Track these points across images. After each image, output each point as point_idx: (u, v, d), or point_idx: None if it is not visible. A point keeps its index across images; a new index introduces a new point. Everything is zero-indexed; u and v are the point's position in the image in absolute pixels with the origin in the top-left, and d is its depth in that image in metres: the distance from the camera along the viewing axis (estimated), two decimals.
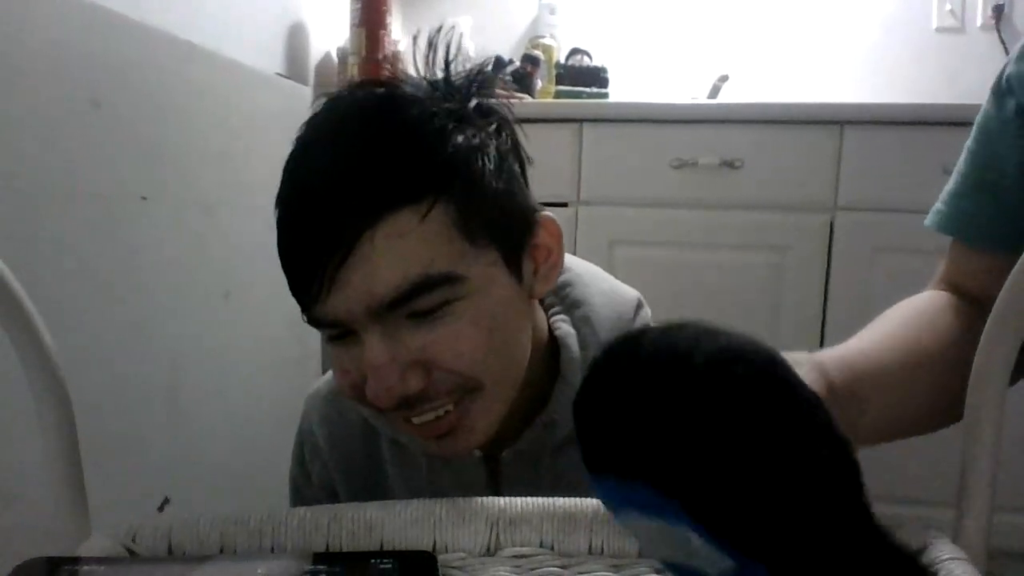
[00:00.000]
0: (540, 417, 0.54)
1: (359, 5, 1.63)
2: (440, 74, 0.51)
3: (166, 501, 1.03)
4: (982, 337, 0.32)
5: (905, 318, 0.54)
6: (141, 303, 1.02)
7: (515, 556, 0.40)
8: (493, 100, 0.51)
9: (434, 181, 0.45)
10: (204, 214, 1.16)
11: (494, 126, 0.50)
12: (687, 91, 1.85)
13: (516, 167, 0.52)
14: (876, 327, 0.53)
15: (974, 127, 0.59)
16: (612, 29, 1.94)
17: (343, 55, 1.69)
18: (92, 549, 0.35)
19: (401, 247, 0.44)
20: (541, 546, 0.40)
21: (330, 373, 0.63)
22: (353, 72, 1.65)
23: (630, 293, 0.61)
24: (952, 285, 0.58)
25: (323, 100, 0.52)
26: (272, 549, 0.37)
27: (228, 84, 1.23)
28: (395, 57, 1.71)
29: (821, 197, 1.46)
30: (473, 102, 0.50)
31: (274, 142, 1.35)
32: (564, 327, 0.55)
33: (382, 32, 1.64)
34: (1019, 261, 0.29)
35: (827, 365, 0.43)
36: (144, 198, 1.03)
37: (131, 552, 0.37)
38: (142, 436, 1.01)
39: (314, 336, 1.56)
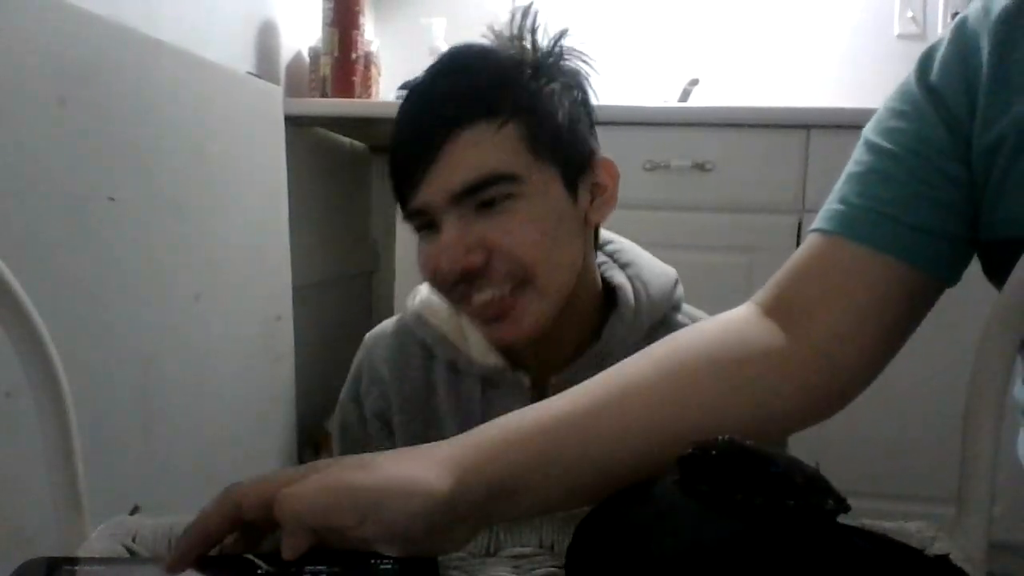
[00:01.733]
0: (591, 348, 0.64)
1: (331, 4, 1.61)
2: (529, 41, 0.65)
3: (136, 508, 1.01)
4: (982, 337, 0.33)
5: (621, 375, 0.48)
6: (110, 306, 1.00)
7: (515, 556, 0.40)
8: (572, 64, 0.67)
9: (509, 105, 0.59)
10: (174, 215, 1.14)
11: (569, 82, 0.65)
12: (658, 95, 1.87)
13: (584, 116, 0.66)
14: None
15: (879, 128, 0.54)
16: (584, 32, 1.95)
17: (315, 54, 1.67)
18: (92, 549, 0.35)
19: (476, 151, 0.58)
20: (541, 546, 0.40)
21: (393, 318, 0.74)
22: (326, 71, 1.63)
23: (670, 268, 0.72)
24: (783, 299, 0.50)
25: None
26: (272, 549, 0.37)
27: (198, 83, 1.21)
28: (368, 58, 1.70)
29: (789, 199, 1.49)
30: (552, 61, 0.65)
31: (244, 141, 1.34)
32: (619, 277, 0.67)
33: (355, 32, 1.63)
34: (1019, 261, 0.30)
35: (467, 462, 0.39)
36: (112, 199, 1.01)
37: (131, 552, 0.36)
38: (112, 441, 0.99)
39: (287, 338, 1.54)
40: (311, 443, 1.65)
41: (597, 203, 0.65)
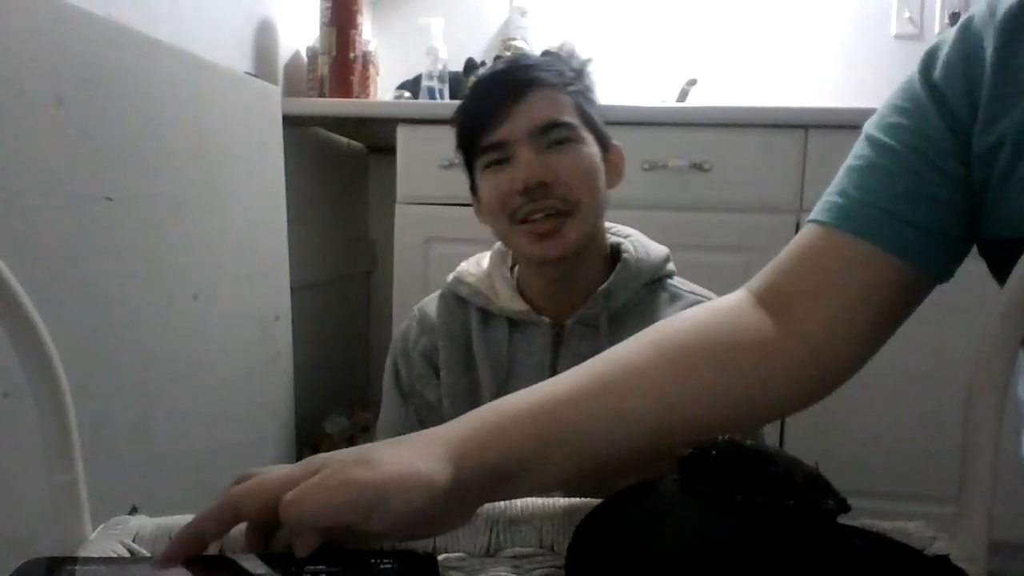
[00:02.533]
0: (600, 288, 0.79)
1: (329, 4, 1.61)
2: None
3: (134, 509, 1.01)
4: (983, 336, 0.33)
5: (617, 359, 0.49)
6: (108, 306, 0.99)
7: (515, 556, 0.40)
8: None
9: (569, 82, 0.81)
10: (171, 215, 1.14)
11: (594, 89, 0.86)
12: (656, 95, 1.88)
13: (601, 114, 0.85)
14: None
15: (881, 124, 0.54)
16: (582, 32, 1.95)
17: (313, 54, 1.67)
18: (92, 549, 0.35)
19: (550, 103, 0.78)
20: (541, 546, 0.40)
21: (436, 293, 0.89)
22: (324, 71, 1.63)
23: (662, 246, 0.89)
24: (774, 287, 0.51)
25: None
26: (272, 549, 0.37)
27: (196, 83, 1.20)
28: (366, 58, 1.70)
29: (787, 199, 1.49)
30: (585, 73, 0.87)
31: (243, 141, 1.34)
32: (622, 240, 0.85)
33: (353, 32, 1.63)
34: (1020, 261, 0.30)
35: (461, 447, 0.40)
36: (109, 199, 1.01)
37: (131, 552, 0.36)
38: (110, 440, 0.98)
39: (285, 338, 1.53)
40: (309, 443, 1.65)
41: (612, 174, 0.85)
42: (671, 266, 0.87)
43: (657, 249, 0.86)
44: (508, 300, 0.81)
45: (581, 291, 0.81)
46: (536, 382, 0.59)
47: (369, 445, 0.41)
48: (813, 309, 0.48)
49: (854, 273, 0.48)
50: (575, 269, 0.79)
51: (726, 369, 0.46)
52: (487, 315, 0.82)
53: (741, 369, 0.46)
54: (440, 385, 0.81)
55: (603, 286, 0.80)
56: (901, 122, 0.51)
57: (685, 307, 0.81)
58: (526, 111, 0.77)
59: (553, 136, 0.77)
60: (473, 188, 0.84)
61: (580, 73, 0.85)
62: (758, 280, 0.53)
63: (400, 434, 0.79)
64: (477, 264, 0.86)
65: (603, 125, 0.84)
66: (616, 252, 0.85)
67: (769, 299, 0.50)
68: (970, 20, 0.49)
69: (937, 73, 0.49)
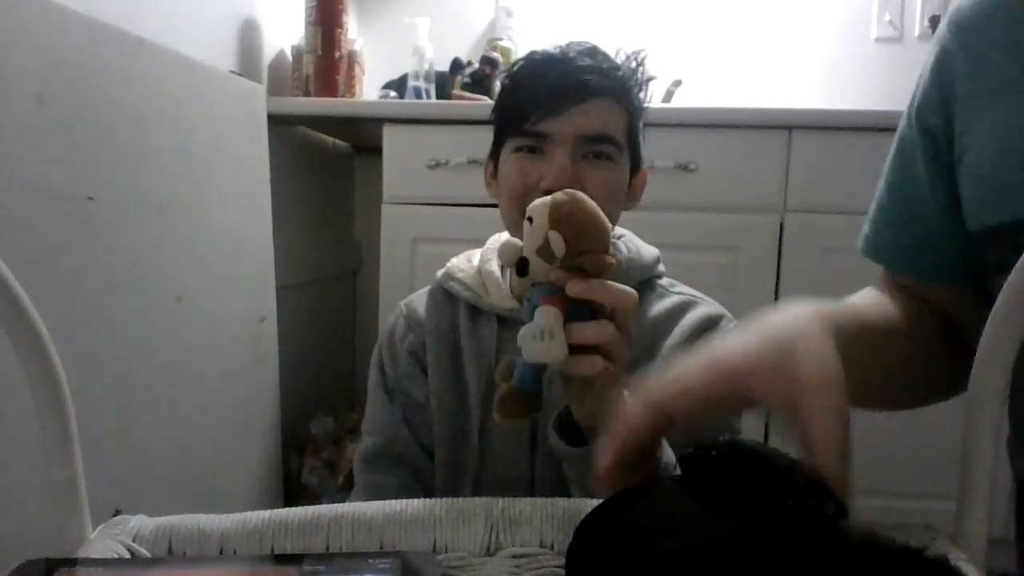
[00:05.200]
0: None
1: (314, 3, 1.60)
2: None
3: (117, 512, 0.99)
4: (982, 336, 0.33)
5: (877, 300, 0.58)
6: (90, 307, 0.98)
7: (515, 556, 0.40)
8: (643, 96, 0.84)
9: (627, 99, 0.79)
10: (154, 215, 1.13)
11: (642, 106, 0.83)
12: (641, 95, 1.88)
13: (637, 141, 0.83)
14: (857, 299, 0.57)
15: (892, 150, 0.62)
16: (568, 33, 1.96)
17: (298, 53, 1.66)
18: (92, 549, 0.34)
19: (607, 114, 0.76)
20: (541, 546, 0.40)
21: (424, 289, 0.88)
22: (309, 70, 1.62)
23: (654, 248, 0.89)
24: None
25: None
26: (272, 549, 0.36)
27: (180, 81, 1.19)
28: (351, 57, 1.69)
29: (771, 199, 1.51)
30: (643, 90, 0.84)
31: (227, 140, 1.33)
32: (616, 241, 0.84)
33: (338, 31, 1.62)
34: (1019, 262, 0.30)
35: (836, 327, 0.41)
36: (91, 198, 0.99)
37: (131, 552, 0.35)
38: (93, 443, 0.97)
39: (270, 339, 1.52)
40: (295, 445, 1.64)
41: (632, 196, 0.85)
42: (661, 267, 0.87)
43: (649, 251, 0.86)
44: (498, 298, 0.79)
45: None
46: None
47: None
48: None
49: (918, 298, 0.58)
50: None
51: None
52: (476, 312, 0.80)
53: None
54: (427, 382, 0.80)
55: None
56: (895, 179, 0.61)
57: (670, 307, 0.81)
58: (581, 115, 0.74)
59: (594, 148, 0.75)
60: (494, 158, 0.82)
61: (644, 88, 0.82)
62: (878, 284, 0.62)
63: (386, 433, 0.80)
64: (467, 261, 0.84)
65: (640, 147, 0.83)
66: None
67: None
68: (941, 49, 0.56)
69: (918, 104, 0.58)
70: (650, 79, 0.83)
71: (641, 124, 0.82)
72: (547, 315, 0.51)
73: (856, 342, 0.42)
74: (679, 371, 0.39)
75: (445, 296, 0.82)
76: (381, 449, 0.80)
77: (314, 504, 0.41)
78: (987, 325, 0.33)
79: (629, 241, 0.85)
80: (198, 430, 1.21)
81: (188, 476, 1.18)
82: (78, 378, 0.97)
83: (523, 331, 0.51)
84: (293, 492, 1.56)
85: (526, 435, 0.76)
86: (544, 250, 0.51)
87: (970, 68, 0.52)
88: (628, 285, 0.79)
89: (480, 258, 0.84)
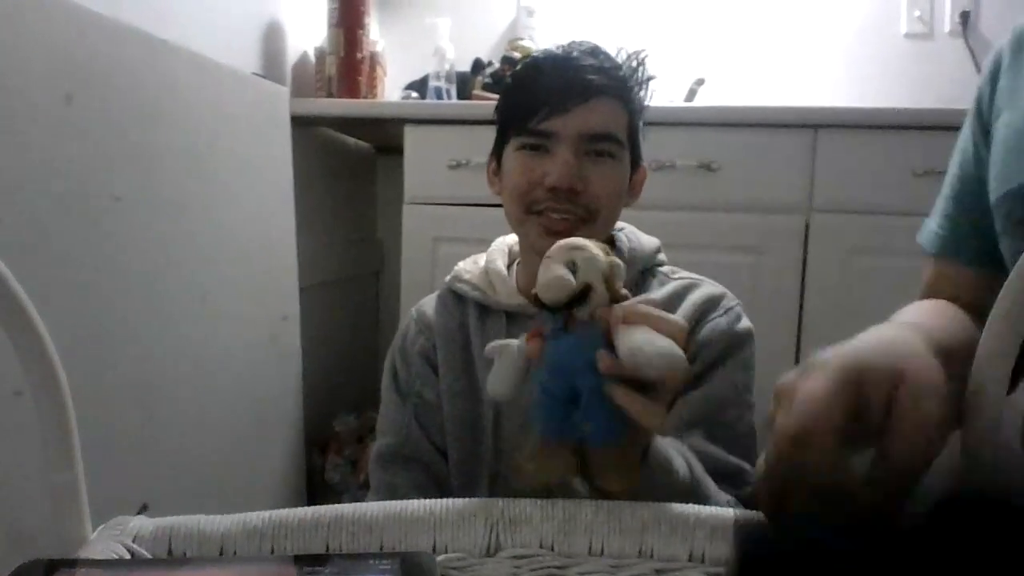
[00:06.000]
0: None
1: (336, 5, 1.62)
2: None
3: (144, 507, 1.01)
4: (982, 336, 0.32)
5: (937, 313, 0.58)
6: (116, 305, 1.00)
7: (515, 556, 0.40)
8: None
9: (629, 98, 0.80)
10: (180, 215, 1.14)
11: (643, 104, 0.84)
12: (664, 94, 1.87)
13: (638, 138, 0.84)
14: (924, 315, 0.57)
15: (956, 148, 0.63)
16: (590, 32, 1.95)
17: (320, 55, 1.68)
18: (92, 549, 0.35)
19: (611, 113, 0.78)
20: (541, 546, 0.40)
21: (435, 293, 0.89)
22: (331, 72, 1.64)
23: (655, 239, 0.90)
24: (946, 297, 0.61)
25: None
26: (272, 550, 0.37)
27: (204, 83, 1.21)
28: (374, 58, 1.70)
29: (796, 199, 1.48)
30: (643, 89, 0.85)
31: (251, 142, 1.35)
32: (617, 233, 0.85)
33: (360, 32, 1.63)
34: (1019, 261, 0.30)
35: (940, 346, 0.40)
36: (118, 198, 1.01)
37: (131, 553, 0.36)
38: (118, 441, 0.99)
39: (293, 338, 1.54)
40: (318, 443, 1.66)
41: (632, 192, 0.85)
42: (662, 256, 0.88)
43: (649, 240, 0.87)
44: (506, 295, 0.80)
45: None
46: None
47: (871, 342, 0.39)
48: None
49: (970, 289, 0.59)
50: None
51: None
52: (485, 311, 0.81)
53: None
54: (438, 384, 0.81)
55: None
56: (954, 171, 0.63)
57: (671, 292, 0.82)
58: (584, 114, 0.76)
59: (597, 147, 0.77)
60: (497, 156, 0.82)
61: (644, 87, 0.84)
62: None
63: (399, 433, 0.81)
64: (474, 263, 0.86)
65: (640, 145, 0.84)
66: (610, 244, 0.85)
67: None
68: (999, 51, 0.58)
69: (983, 106, 0.59)
70: (650, 78, 0.84)
71: (641, 123, 0.83)
72: (647, 329, 0.45)
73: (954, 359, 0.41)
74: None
75: (454, 298, 0.84)
76: (395, 449, 0.81)
77: (337, 501, 0.41)
78: (987, 325, 0.32)
79: (630, 233, 0.86)
80: (222, 428, 1.23)
81: (212, 473, 1.19)
82: (103, 377, 1.00)
83: (638, 345, 0.44)
84: (316, 490, 1.58)
85: None
86: (609, 278, 0.47)
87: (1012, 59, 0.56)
88: (630, 274, 0.80)
89: (486, 258, 0.85)
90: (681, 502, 0.44)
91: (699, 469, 0.61)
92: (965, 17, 1.82)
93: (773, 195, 1.49)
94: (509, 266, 0.86)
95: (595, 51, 0.80)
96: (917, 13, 1.86)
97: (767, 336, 1.50)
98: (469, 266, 0.85)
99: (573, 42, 0.81)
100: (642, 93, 0.83)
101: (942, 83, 1.80)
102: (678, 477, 0.55)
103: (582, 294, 0.46)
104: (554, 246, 0.49)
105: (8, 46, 0.83)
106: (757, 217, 1.49)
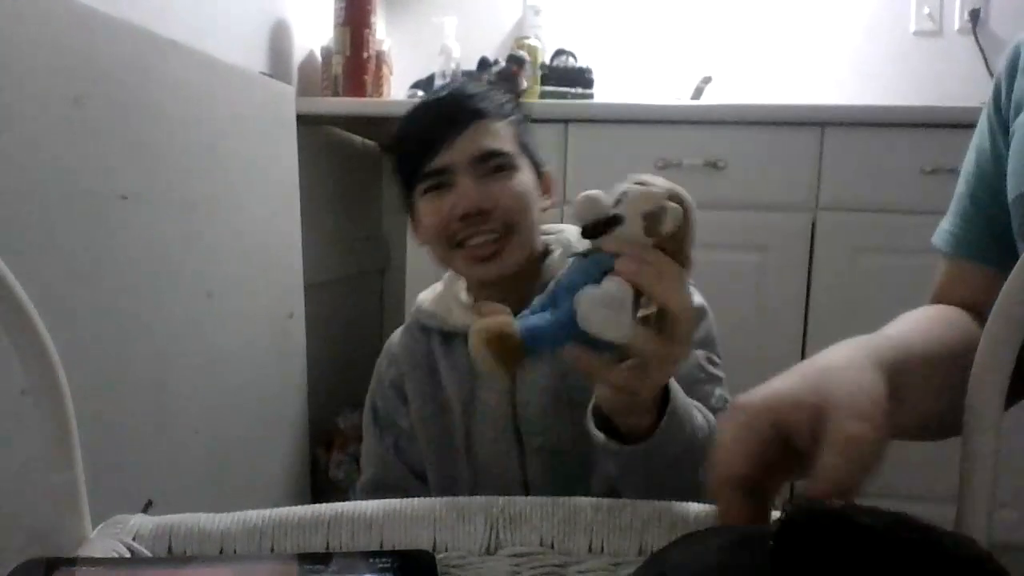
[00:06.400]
0: (537, 282, 0.81)
1: (343, 4, 1.62)
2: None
3: (149, 503, 1.02)
4: (983, 336, 0.32)
5: (931, 320, 0.56)
6: (122, 303, 1.01)
7: (515, 555, 0.40)
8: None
9: (506, 115, 0.81)
10: (186, 213, 1.15)
11: (520, 114, 0.86)
12: (671, 92, 1.86)
13: (531, 141, 0.86)
14: (911, 323, 0.54)
15: (971, 145, 0.61)
16: (597, 30, 1.95)
17: (327, 54, 1.68)
18: (92, 549, 0.35)
19: (492, 132, 0.79)
20: (541, 544, 0.40)
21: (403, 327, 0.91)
22: (337, 71, 1.64)
23: None
24: (955, 302, 0.59)
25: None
26: (272, 548, 0.37)
27: (211, 82, 1.21)
28: (380, 57, 1.70)
29: (803, 197, 1.48)
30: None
31: (257, 141, 1.35)
32: (550, 239, 0.86)
33: (367, 31, 1.64)
34: (1019, 261, 0.29)
35: (886, 362, 0.40)
36: (125, 197, 1.02)
37: (131, 552, 0.36)
38: (125, 437, 1.00)
39: (299, 335, 1.54)
40: (322, 440, 1.66)
41: (544, 197, 0.86)
42: None
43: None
44: (463, 316, 0.81)
45: (521, 289, 0.80)
46: (498, 384, 0.77)
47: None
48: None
49: (985, 291, 0.54)
50: (514, 283, 0.80)
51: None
52: (447, 336, 0.83)
53: None
54: (410, 412, 0.83)
55: (539, 281, 0.81)
56: (976, 144, 0.60)
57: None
58: (468, 140, 0.78)
59: (492, 164, 0.78)
60: (410, 213, 0.84)
61: (518, 103, 0.86)
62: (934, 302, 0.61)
63: (380, 464, 0.85)
64: (432, 290, 0.88)
65: (537, 151, 0.85)
66: (543, 253, 0.86)
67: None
68: (1017, 45, 0.57)
69: (1001, 101, 0.57)
70: (523, 90, 0.89)
71: (528, 135, 0.85)
72: (623, 288, 0.44)
73: (907, 373, 0.41)
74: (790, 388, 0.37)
75: (419, 328, 0.86)
76: (376, 480, 0.85)
77: (340, 498, 0.41)
78: (987, 325, 0.32)
79: (563, 236, 0.86)
80: (227, 424, 1.24)
81: (217, 470, 1.20)
82: (108, 374, 1.00)
83: (590, 294, 0.44)
84: (320, 486, 1.59)
85: (512, 438, 0.77)
86: (652, 217, 0.45)
87: None
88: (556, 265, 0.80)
89: (443, 284, 0.87)
90: (701, 456, 0.47)
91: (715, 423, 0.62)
92: (975, 15, 1.80)
93: (780, 193, 1.48)
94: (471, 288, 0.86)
95: (464, 83, 0.85)
96: (926, 11, 1.85)
97: (773, 334, 1.50)
98: (428, 294, 0.88)
99: (442, 85, 0.84)
100: (516, 107, 0.85)
101: (951, 81, 1.79)
102: (697, 430, 0.57)
103: (607, 223, 0.45)
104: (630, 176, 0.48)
105: (16, 47, 0.84)
106: (764, 215, 1.48)
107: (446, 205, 0.77)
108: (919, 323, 0.54)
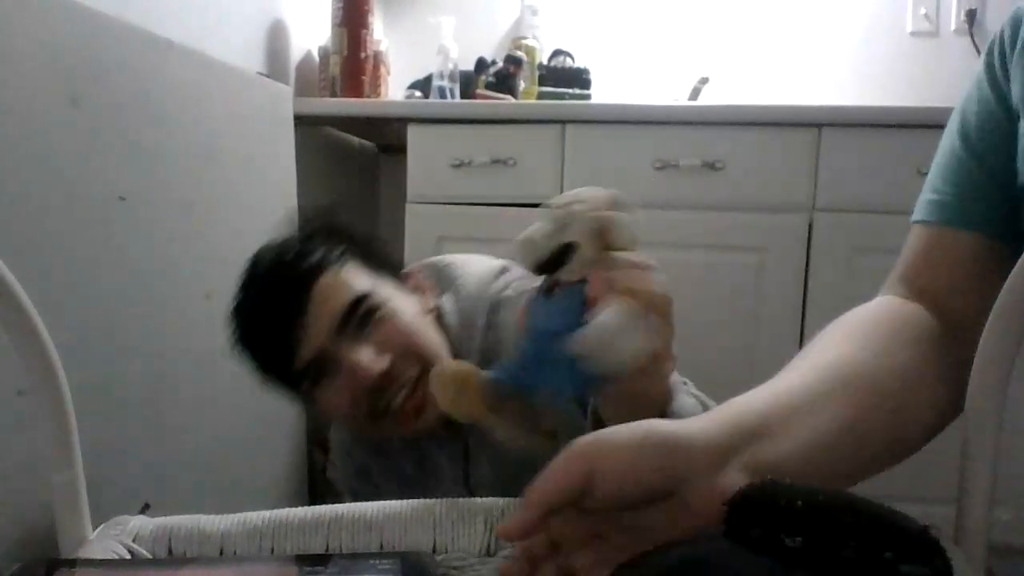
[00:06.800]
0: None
1: (340, 4, 1.62)
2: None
3: (146, 506, 1.02)
4: (983, 335, 0.32)
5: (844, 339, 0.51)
6: (120, 305, 1.00)
7: None
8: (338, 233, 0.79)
9: (337, 258, 0.72)
10: (184, 214, 1.15)
11: (342, 244, 0.76)
12: (668, 93, 1.87)
13: (374, 251, 0.79)
14: (812, 356, 0.49)
15: (955, 115, 0.59)
16: (594, 31, 1.95)
17: (324, 54, 1.68)
18: (92, 549, 0.35)
19: (337, 288, 0.70)
20: None
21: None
22: (335, 71, 1.64)
23: (495, 263, 0.82)
24: (916, 286, 0.55)
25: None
26: (272, 550, 0.37)
27: (208, 83, 1.21)
28: (377, 58, 1.70)
29: (800, 198, 1.48)
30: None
31: (254, 141, 1.35)
32: (441, 300, 0.80)
33: (364, 31, 1.63)
34: (1020, 260, 0.29)
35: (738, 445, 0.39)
36: (122, 198, 1.01)
37: (131, 552, 0.36)
38: (122, 439, 0.99)
39: None
40: (320, 442, 1.66)
41: (426, 298, 0.79)
42: (506, 278, 0.79)
43: (480, 279, 0.79)
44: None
45: None
46: (452, 472, 0.74)
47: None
48: (966, 301, 0.50)
49: (968, 262, 0.52)
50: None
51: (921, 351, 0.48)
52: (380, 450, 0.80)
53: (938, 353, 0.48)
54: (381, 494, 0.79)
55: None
56: (971, 112, 0.57)
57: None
58: (317, 314, 0.68)
59: (360, 314, 0.69)
60: (308, 402, 0.76)
61: (341, 235, 0.77)
62: (898, 284, 0.56)
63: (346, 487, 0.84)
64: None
65: (391, 264, 0.78)
66: (437, 319, 0.78)
67: (919, 298, 0.53)
68: (1018, 10, 0.53)
69: (995, 61, 0.54)
70: (345, 231, 0.79)
71: (374, 255, 0.77)
72: (620, 311, 0.41)
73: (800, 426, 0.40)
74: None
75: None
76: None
77: (339, 500, 0.41)
78: (987, 325, 0.32)
79: (460, 285, 0.78)
80: (225, 426, 1.24)
81: (215, 472, 1.20)
82: (108, 375, 1.00)
83: (594, 334, 0.41)
84: (318, 488, 1.59)
85: (459, 457, 0.75)
86: (604, 232, 0.43)
87: None
88: (472, 328, 0.73)
89: None
90: None
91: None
92: (971, 15, 1.81)
93: (777, 194, 1.49)
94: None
95: (280, 255, 0.73)
96: (923, 11, 1.85)
97: (770, 334, 1.50)
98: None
99: (252, 274, 0.75)
100: (344, 240, 0.76)
101: (948, 81, 1.79)
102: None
103: (561, 255, 0.42)
104: (555, 199, 0.45)
105: (13, 47, 0.84)
106: (761, 216, 1.49)
107: (345, 389, 0.68)
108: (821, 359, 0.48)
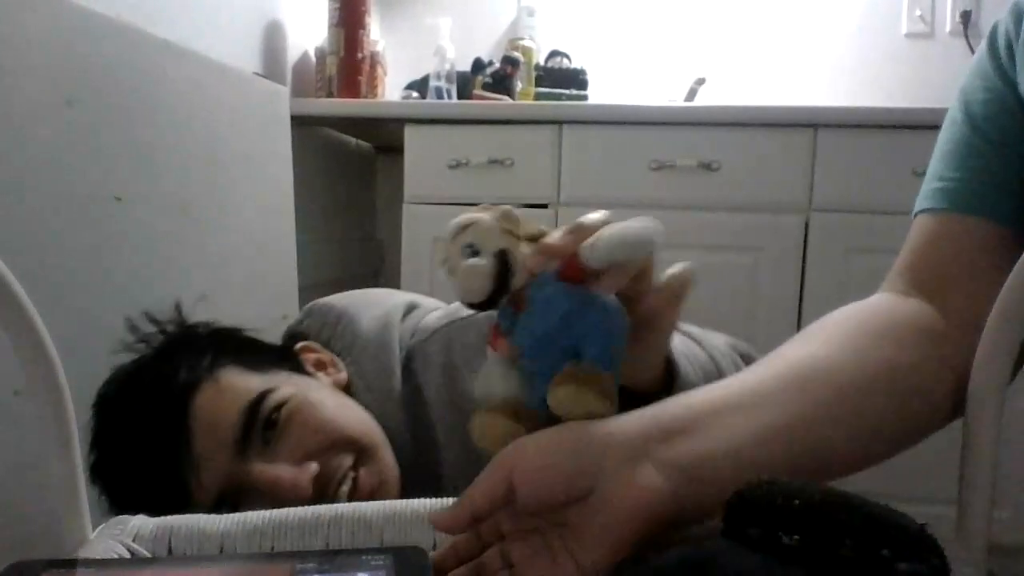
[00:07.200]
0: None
1: (337, 4, 1.62)
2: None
3: None
4: (984, 332, 0.32)
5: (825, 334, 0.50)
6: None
7: None
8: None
9: (213, 363, 0.61)
10: (180, 215, 1.15)
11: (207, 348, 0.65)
12: (664, 94, 1.87)
13: (247, 344, 0.69)
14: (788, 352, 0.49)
15: (958, 100, 0.58)
16: (591, 32, 1.95)
17: (321, 55, 1.68)
18: (92, 549, 0.35)
19: (217, 404, 0.58)
20: None
21: None
22: (332, 72, 1.64)
23: (398, 302, 0.74)
24: (918, 280, 0.54)
25: None
26: (272, 549, 0.37)
27: (204, 83, 1.21)
28: (374, 58, 1.70)
29: (796, 198, 1.49)
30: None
31: (251, 141, 1.35)
32: (348, 361, 0.70)
33: (361, 32, 1.63)
34: (1019, 262, 0.30)
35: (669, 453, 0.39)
36: (118, 199, 1.01)
37: (131, 552, 0.36)
38: None
39: None
40: None
41: (332, 372, 0.69)
42: (399, 332, 0.71)
43: (373, 351, 0.69)
44: None
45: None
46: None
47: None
48: (971, 292, 0.49)
49: (976, 250, 0.51)
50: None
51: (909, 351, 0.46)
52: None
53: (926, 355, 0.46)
54: None
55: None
56: (978, 98, 0.55)
57: (445, 343, 0.67)
58: (208, 437, 0.56)
59: (262, 423, 0.58)
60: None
61: (201, 340, 0.67)
62: (898, 279, 0.54)
63: None
64: None
65: (274, 351, 0.68)
66: (346, 389, 0.69)
67: (920, 291, 0.52)
68: (1017, 4, 0.54)
69: (1001, 52, 0.53)
70: (204, 333, 0.70)
71: (257, 344, 0.69)
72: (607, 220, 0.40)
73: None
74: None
75: None
76: None
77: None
78: (987, 325, 0.32)
79: (353, 363, 0.69)
80: None
81: None
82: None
83: (605, 232, 0.40)
84: None
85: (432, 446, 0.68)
86: (513, 236, 0.41)
87: None
88: (390, 390, 0.64)
89: None
90: None
91: (706, 343, 0.61)
92: (966, 17, 1.82)
93: (773, 194, 1.49)
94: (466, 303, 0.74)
95: (135, 382, 0.64)
96: (918, 12, 1.86)
97: (766, 335, 1.51)
98: None
99: (105, 420, 0.63)
100: (219, 340, 0.67)
101: (943, 83, 1.80)
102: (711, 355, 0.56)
103: (504, 268, 0.40)
104: (443, 243, 0.43)
105: (8, 47, 0.84)
106: (757, 216, 1.49)
107: (278, 503, 0.53)
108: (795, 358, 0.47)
